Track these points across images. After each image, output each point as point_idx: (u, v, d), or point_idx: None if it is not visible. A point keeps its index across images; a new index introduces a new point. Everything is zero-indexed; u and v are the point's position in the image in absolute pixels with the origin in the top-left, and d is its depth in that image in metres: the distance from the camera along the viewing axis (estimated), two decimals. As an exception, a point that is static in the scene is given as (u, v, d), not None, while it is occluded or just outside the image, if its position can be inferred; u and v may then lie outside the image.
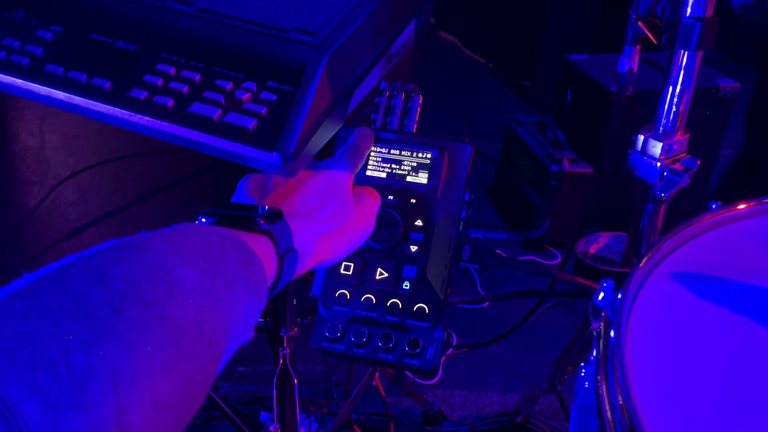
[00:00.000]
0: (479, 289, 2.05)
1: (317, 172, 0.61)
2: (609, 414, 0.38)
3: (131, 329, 0.33)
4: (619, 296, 0.46)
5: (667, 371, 0.43)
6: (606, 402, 0.39)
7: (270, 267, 0.50)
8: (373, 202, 0.65)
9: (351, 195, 0.62)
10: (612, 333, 0.43)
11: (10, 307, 0.31)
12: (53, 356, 0.29)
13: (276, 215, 0.54)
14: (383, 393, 1.31)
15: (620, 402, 0.38)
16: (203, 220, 0.52)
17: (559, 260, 2.22)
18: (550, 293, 0.93)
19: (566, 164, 2.13)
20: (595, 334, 0.48)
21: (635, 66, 0.86)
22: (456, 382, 1.66)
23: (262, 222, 0.52)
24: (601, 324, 0.47)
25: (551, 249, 2.29)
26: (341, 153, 0.66)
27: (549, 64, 3.04)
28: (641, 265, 0.48)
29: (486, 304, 1.94)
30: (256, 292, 0.46)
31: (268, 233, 0.51)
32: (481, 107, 3.22)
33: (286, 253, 0.53)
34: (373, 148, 0.73)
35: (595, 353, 0.49)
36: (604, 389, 0.40)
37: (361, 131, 0.70)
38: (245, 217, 0.52)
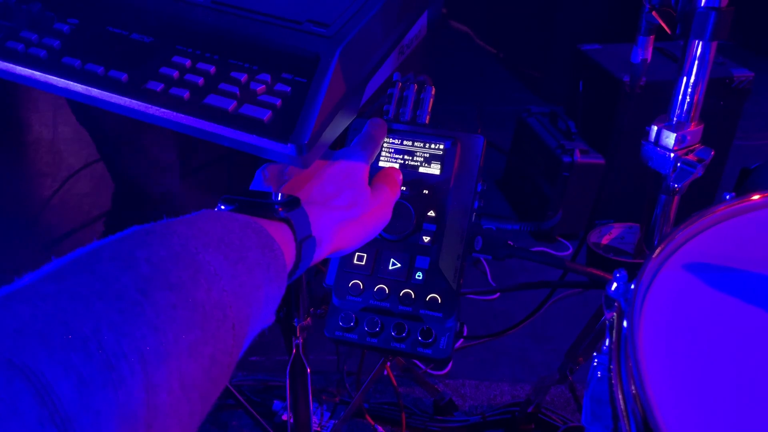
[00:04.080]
0: (490, 280, 2.05)
1: (333, 162, 0.62)
2: (622, 403, 0.38)
3: (158, 311, 0.34)
4: (632, 287, 0.47)
5: (679, 361, 0.43)
6: (619, 391, 0.40)
7: (289, 253, 0.51)
8: (390, 192, 0.66)
9: (367, 184, 0.63)
10: (625, 323, 0.43)
11: (42, 290, 0.32)
12: (85, 336, 0.30)
13: (294, 202, 0.54)
14: (395, 383, 1.32)
15: (633, 391, 0.38)
16: (222, 207, 0.53)
17: (570, 251, 2.22)
18: (561, 284, 0.93)
19: (578, 155, 2.12)
20: (607, 324, 0.48)
21: (649, 56, 0.86)
22: (467, 373, 1.67)
23: (280, 209, 0.52)
24: (614, 314, 0.47)
25: (562, 240, 2.28)
26: (356, 142, 0.67)
27: (560, 55, 3.02)
28: (654, 255, 0.48)
29: (497, 295, 1.94)
30: (276, 278, 0.47)
31: (286, 220, 0.52)
32: (492, 98, 3.21)
33: (304, 240, 0.53)
34: (385, 139, 0.73)
35: (607, 343, 0.49)
36: (616, 379, 0.41)
37: (374, 122, 0.71)
38: (264, 204, 0.53)
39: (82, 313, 0.31)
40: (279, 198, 0.54)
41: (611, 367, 0.42)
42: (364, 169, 0.63)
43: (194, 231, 0.42)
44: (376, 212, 0.63)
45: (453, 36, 3.75)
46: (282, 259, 0.48)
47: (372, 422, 1.41)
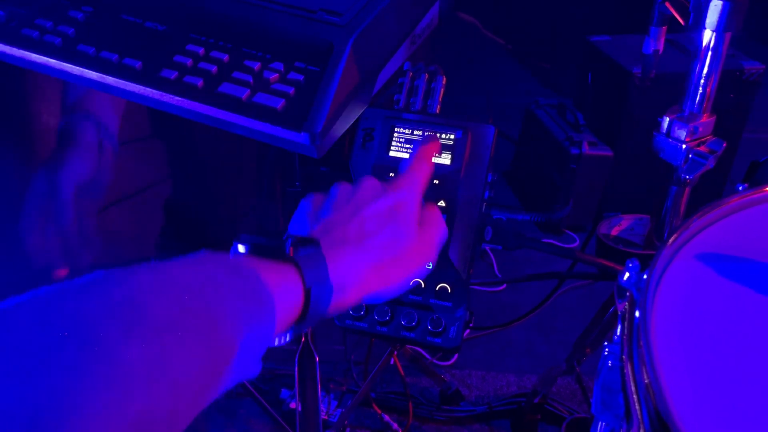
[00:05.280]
0: (496, 272, 2.05)
1: (380, 195, 0.55)
2: (634, 393, 0.39)
3: (68, 371, 0.31)
4: (645, 276, 0.47)
5: (692, 350, 0.43)
6: (631, 381, 0.40)
7: (289, 300, 0.46)
8: (438, 229, 0.58)
9: (416, 219, 0.56)
10: (637, 313, 0.43)
11: None
12: None
13: (307, 243, 0.49)
14: (402, 372, 1.32)
15: (646, 381, 0.38)
16: (240, 247, 0.49)
17: (577, 243, 2.22)
18: (571, 275, 0.93)
19: (586, 147, 2.11)
20: (619, 314, 0.49)
21: (661, 47, 0.85)
22: (473, 363, 1.67)
23: (291, 251, 0.48)
24: (626, 304, 0.47)
25: (569, 232, 2.28)
26: (406, 171, 0.60)
27: (569, 46, 3.00)
28: (667, 246, 0.48)
29: (503, 286, 1.94)
30: (259, 327, 0.43)
31: (294, 263, 0.47)
32: (500, 89, 3.20)
33: (317, 287, 0.48)
34: (396, 129, 0.73)
35: (619, 332, 0.49)
36: (629, 368, 0.41)
37: (424, 140, 0.64)
38: (272, 248, 0.48)
39: None
40: (291, 238, 0.49)
41: (623, 356, 0.42)
42: (415, 203, 0.56)
43: (158, 277, 0.39)
44: (420, 251, 0.56)
45: (460, 27, 3.73)
46: (269, 309, 0.44)
47: (379, 411, 1.42)
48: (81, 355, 0.32)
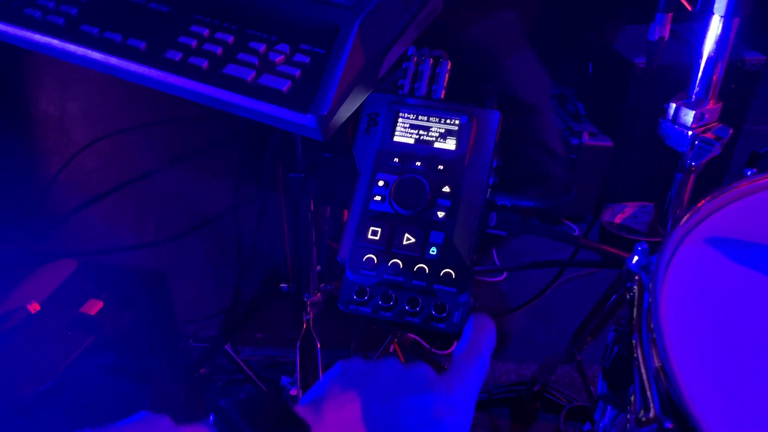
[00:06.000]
0: (496, 261, 2.05)
1: (432, 386, 0.46)
2: (644, 376, 0.39)
3: None
4: (654, 260, 0.47)
5: (701, 334, 0.43)
6: (641, 364, 0.40)
7: None
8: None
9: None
10: (646, 296, 0.43)
11: None
12: None
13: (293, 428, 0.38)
14: (402, 360, 1.32)
15: (657, 364, 0.38)
16: (220, 407, 0.39)
17: (577, 233, 2.22)
18: (573, 263, 0.93)
19: (586, 137, 2.11)
20: (628, 297, 0.48)
21: (666, 34, 0.85)
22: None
23: None
24: (635, 288, 0.47)
25: (568, 223, 2.28)
26: (467, 368, 0.50)
27: (570, 36, 2.98)
28: (675, 230, 0.48)
29: (503, 276, 1.94)
30: None
31: None
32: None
33: None
34: (401, 114, 0.72)
35: (627, 317, 0.49)
36: (639, 352, 0.41)
37: (479, 329, 0.54)
38: (239, 427, 0.38)
39: None
40: (282, 422, 0.39)
41: (633, 341, 0.42)
42: (468, 421, 0.46)
43: None
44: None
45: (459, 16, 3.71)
46: None
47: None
48: None
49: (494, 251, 2.08)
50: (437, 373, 0.46)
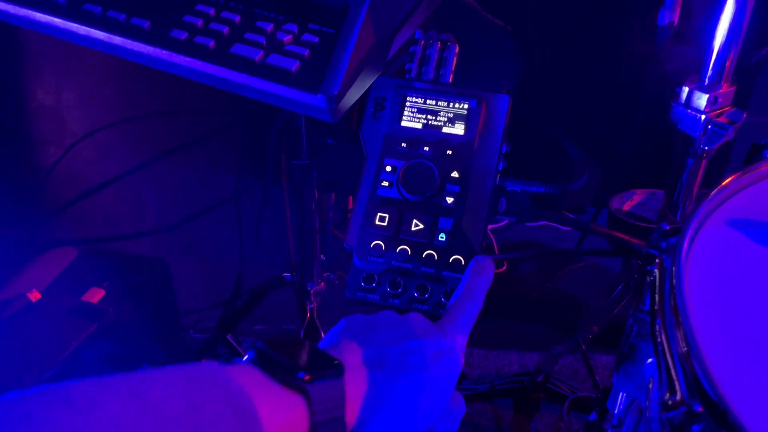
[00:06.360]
0: (496, 251, 2.04)
1: (431, 332, 0.50)
2: (670, 361, 0.38)
3: None
4: (675, 242, 0.46)
5: (726, 316, 0.42)
6: (666, 349, 0.39)
7: None
8: (461, 409, 0.52)
9: (456, 377, 0.50)
10: (668, 279, 0.42)
11: None
12: None
13: (326, 370, 0.42)
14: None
15: (684, 349, 0.37)
16: (252, 351, 0.43)
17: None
18: (579, 252, 0.92)
19: (588, 127, 2.10)
20: (648, 281, 0.47)
21: (676, 19, 0.84)
22: (475, 341, 1.67)
23: (306, 377, 0.40)
24: (656, 271, 0.46)
25: (569, 215, 2.27)
26: (459, 312, 0.54)
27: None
28: (698, 210, 0.47)
29: (504, 267, 1.93)
30: None
31: (304, 393, 0.40)
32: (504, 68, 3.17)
33: (326, 423, 0.41)
34: (408, 98, 0.71)
35: (648, 302, 0.48)
36: (663, 337, 0.40)
37: (476, 272, 0.58)
38: (282, 365, 0.41)
39: None
40: (305, 358, 0.42)
41: (656, 325, 0.41)
42: (460, 361, 0.50)
43: (127, 407, 0.33)
44: (448, 413, 0.50)
45: (457, 8, 3.69)
46: None
47: None
48: None
49: (494, 241, 2.08)
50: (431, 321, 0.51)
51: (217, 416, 0.35)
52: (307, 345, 0.43)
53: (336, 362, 0.42)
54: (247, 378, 0.39)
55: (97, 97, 2.84)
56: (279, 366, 0.41)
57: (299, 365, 0.41)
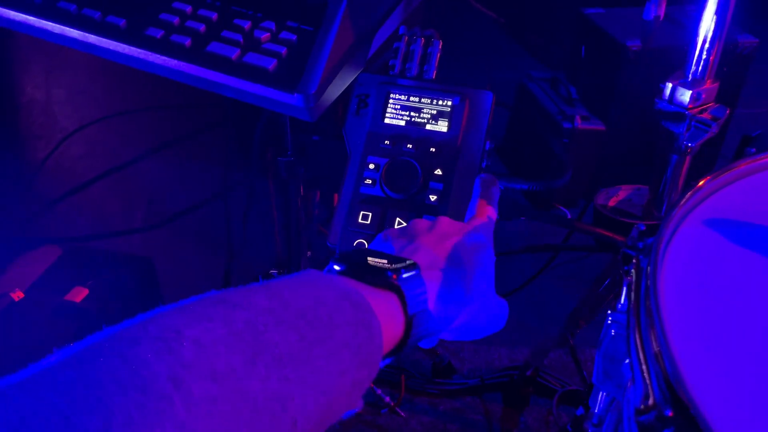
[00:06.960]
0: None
1: (463, 229, 0.54)
2: (643, 361, 0.37)
3: (190, 405, 0.29)
4: (652, 242, 0.45)
5: (701, 317, 0.42)
6: (639, 349, 0.39)
7: (392, 329, 0.44)
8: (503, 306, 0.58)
9: (493, 264, 0.54)
10: (644, 280, 0.42)
11: (57, 378, 0.28)
12: None
13: (409, 268, 0.45)
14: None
15: (655, 349, 0.37)
16: (335, 267, 0.46)
17: (570, 218, 2.21)
18: (566, 247, 0.92)
19: (578, 121, 2.10)
20: (625, 281, 0.47)
21: (662, 13, 0.83)
22: (465, 337, 1.67)
23: (394, 276, 0.44)
24: (633, 271, 0.46)
25: (561, 208, 2.27)
26: (480, 213, 0.58)
27: (562, 19, 2.97)
28: (674, 211, 0.47)
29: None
30: (367, 362, 0.40)
31: (396, 289, 0.44)
32: (491, 63, 3.17)
33: (418, 315, 0.45)
34: (392, 95, 0.71)
35: (624, 301, 0.48)
36: (636, 336, 0.39)
37: (485, 185, 0.62)
38: (375, 268, 0.44)
39: (93, 407, 0.27)
40: (392, 260, 0.46)
41: (630, 324, 0.41)
42: (491, 250, 0.54)
43: (272, 303, 0.36)
44: (492, 300, 0.55)
45: (450, 0, 3.68)
46: (378, 340, 0.41)
47: (371, 384, 1.41)
48: (208, 387, 0.30)
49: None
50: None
51: (338, 306, 0.39)
52: (377, 252, 0.47)
53: (410, 262, 0.46)
54: (347, 280, 0.43)
55: (86, 92, 2.82)
56: (367, 270, 0.44)
57: (383, 267, 0.45)
